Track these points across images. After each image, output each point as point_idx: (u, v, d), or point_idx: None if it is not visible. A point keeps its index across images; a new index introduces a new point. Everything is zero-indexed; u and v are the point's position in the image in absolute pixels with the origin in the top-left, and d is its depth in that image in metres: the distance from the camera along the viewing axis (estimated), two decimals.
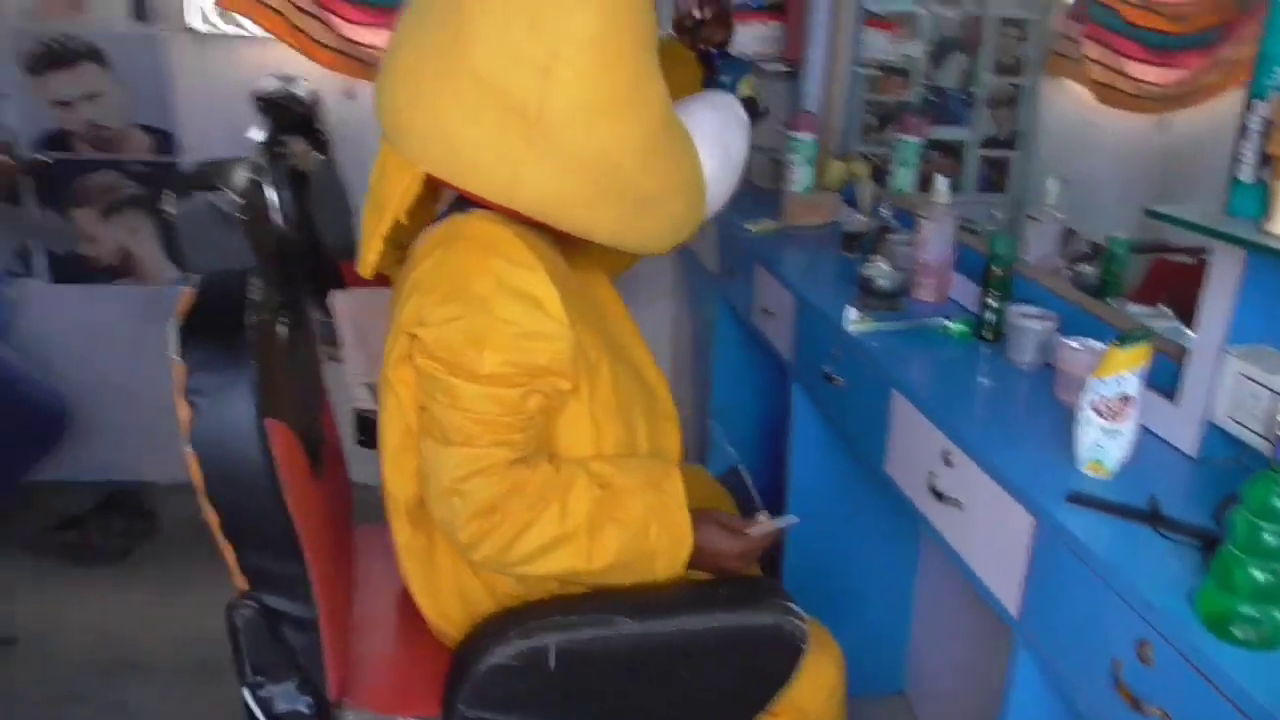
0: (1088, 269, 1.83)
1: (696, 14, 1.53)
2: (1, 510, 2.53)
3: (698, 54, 1.57)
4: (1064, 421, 1.34)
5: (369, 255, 1.26)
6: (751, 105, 1.48)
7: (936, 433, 1.48)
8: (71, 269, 2.87)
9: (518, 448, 1.19)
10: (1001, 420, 1.49)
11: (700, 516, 1.33)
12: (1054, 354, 1.57)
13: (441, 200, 1.35)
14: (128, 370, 2.93)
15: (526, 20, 1.10)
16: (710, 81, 1.54)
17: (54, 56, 2.68)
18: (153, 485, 2.95)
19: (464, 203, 1.24)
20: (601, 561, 1.23)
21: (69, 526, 2.70)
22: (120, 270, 2.90)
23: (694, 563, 1.32)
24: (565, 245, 1.30)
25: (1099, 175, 2.72)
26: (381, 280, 1.37)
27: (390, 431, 1.29)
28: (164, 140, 2.80)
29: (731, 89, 1.50)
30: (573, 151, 1.15)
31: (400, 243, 1.30)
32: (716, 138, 1.31)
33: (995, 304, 1.73)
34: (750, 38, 2.79)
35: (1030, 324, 1.63)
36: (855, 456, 1.83)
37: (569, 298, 1.20)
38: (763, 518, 1.40)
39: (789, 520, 1.41)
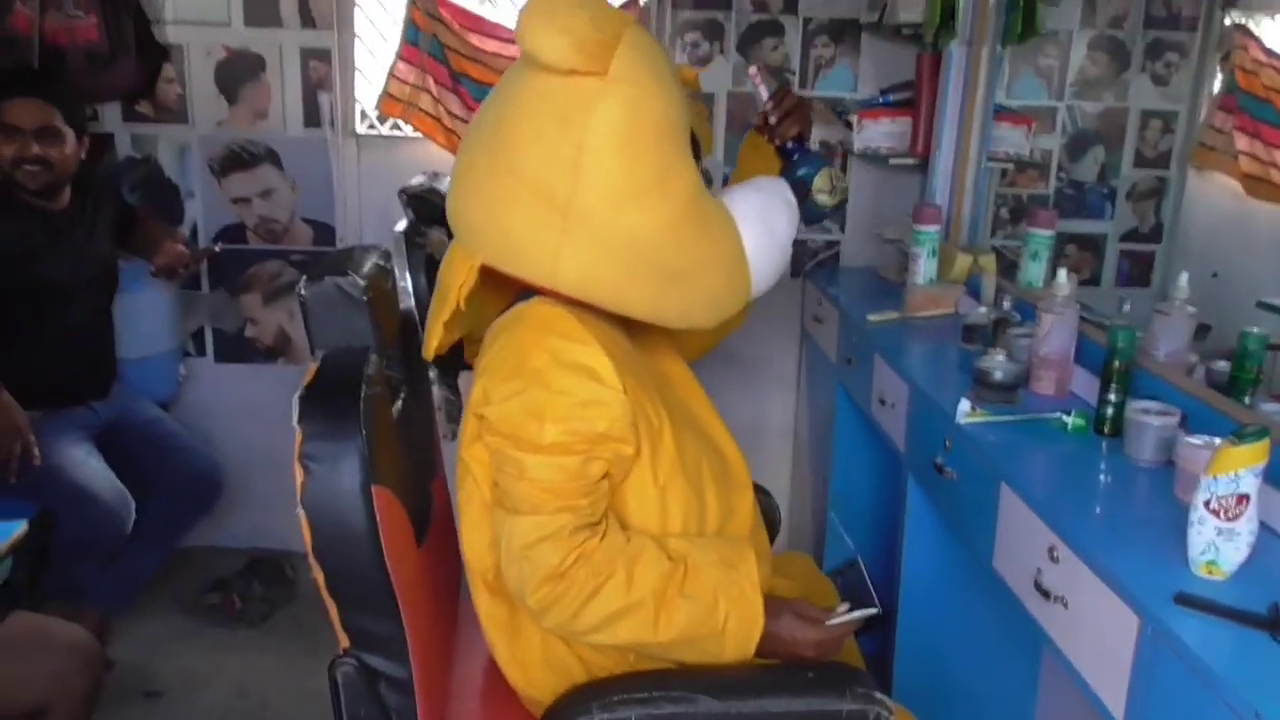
0: (1222, 365, 1.76)
1: (771, 117, 1.60)
2: (160, 570, 2.72)
3: (776, 148, 1.63)
4: (1181, 521, 1.29)
5: (431, 340, 1.34)
6: (801, 186, 1.53)
7: (1044, 528, 1.44)
8: (235, 349, 3.12)
9: (582, 513, 1.22)
10: (1113, 517, 1.44)
11: (777, 603, 1.33)
12: (1175, 450, 1.51)
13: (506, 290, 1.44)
14: (276, 444, 3.08)
15: (557, 118, 1.19)
16: (788, 173, 1.59)
17: (237, 160, 2.97)
18: (294, 553, 3.12)
19: (528, 293, 1.31)
20: (667, 634, 1.24)
21: (215, 589, 2.87)
22: (277, 351, 3.13)
23: (767, 649, 1.31)
24: (631, 327, 1.35)
25: (1249, 270, 2.61)
26: None
27: (467, 507, 1.35)
28: (325, 232, 3.04)
29: (809, 181, 1.54)
30: (603, 236, 1.22)
31: (461, 328, 1.38)
32: (759, 216, 1.35)
33: (1114, 398, 1.68)
34: (879, 133, 2.83)
35: (1149, 419, 1.58)
36: (967, 551, 1.78)
37: (628, 368, 1.26)
38: (842, 609, 1.38)
39: (868, 612, 1.38)
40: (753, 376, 3.13)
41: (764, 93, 1.62)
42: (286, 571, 2.98)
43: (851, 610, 1.38)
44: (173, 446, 2.68)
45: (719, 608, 1.27)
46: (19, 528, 2.26)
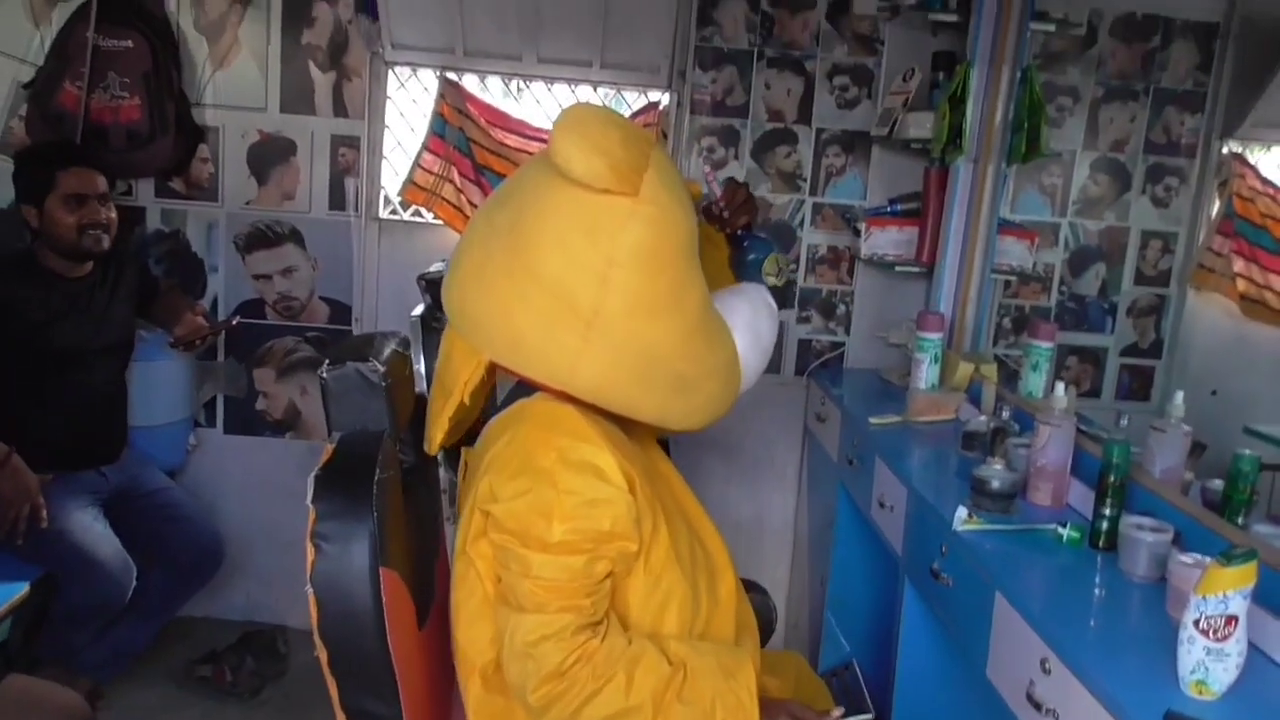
0: (1217, 484, 1.79)
1: (722, 208, 1.72)
2: (157, 639, 2.72)
3: (726, 236, 1.73)
4: (1173, 638, 1.30)
5: (436, 434, 1.38)
6: (778, 291, 1.66)
7: (1037, 640, 1.45)
8: (244, 421, 3.17)
9: (585, 613, 1.25)
10: (1106, 631, 1.46)
11: (774, 707, 1.34)
12: (1168, 567, 1.53)
13: (499, 383, 1.49)
14: (278, 518, 3.15)
15: (583, 230, 1.24)
16: (736, 259, 1.72)
17: (262, 238, 3.07)
18: (288, 629, 3.12)
19: (527, 387, 1.36)
20: None
21: (207, 661, 2.86)
22: (287, 425, 3.18)
23: None
24: (624, 420, 1.39)
25: (1246, 390, 2.66)
26: None
27: (468, 601, 1.36)
28: (342, 311, 3.11)
29: (759, 265, 1.66)
30: (623, 345, 1.27)
31: (461, 421, 1.42)
32: (749, 325, 1.43)
33: (1109, 513, 1.71)
34: (886, 240, 2.90)
35: (1143, 536, 1.60)
36: (962, 658, 1.79)
37: (629, 464, 1.30)
38: (837, 713, 1.40)
39: (863, 718, 1.41)
40: (755, 473, 3.16)
41: (716, 190, 1.77)
42: (279, 647, 2.97)
43: (846, 714, 1.40)
44: (178, 517, 2.70)
45: (715, 717, 1.29)
46: (20, 590, 2.29)
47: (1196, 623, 1.25)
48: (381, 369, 1.34)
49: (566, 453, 1.25)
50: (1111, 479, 1.70)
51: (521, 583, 1.24)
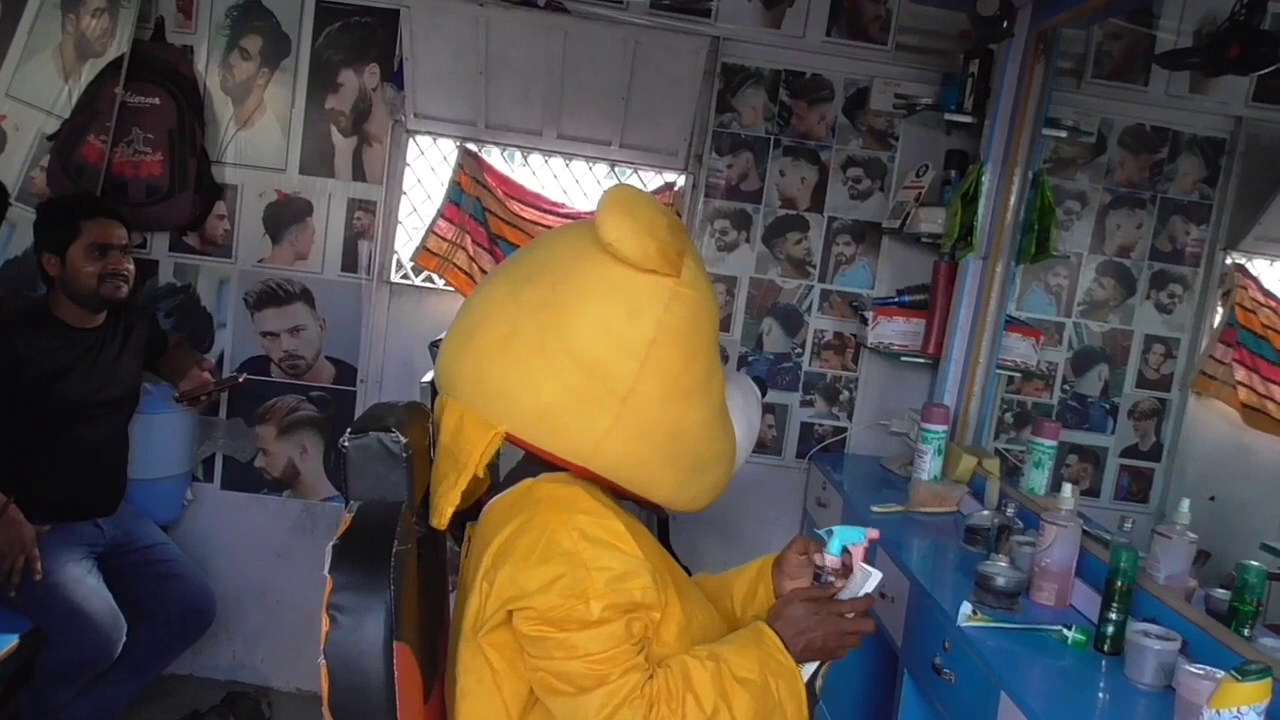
0: (1222, 594, 1.79)
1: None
2: (139, 697, 2.66)
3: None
4: None
5: (446, 508, 1.37)
6: (760, 383, 1.71)
7: None
8: (242, 478, 3.15)
9: (644, 669, 1.25)
10: None
11: (786, 606, 1.40)
12: (1175, 677, 1.53)
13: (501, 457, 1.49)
14: (268, 577, 3.13)
15: (626, 309, 1.28)
16: None
17: (272, 296, 3.09)
18: (271, 690, 3.06)
19: (532, 465, 1.36)
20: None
21: None
22: (284, 483, 3.16)
23: (809, 654, 1.38)
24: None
25: (1245, 498, 2.67)
26: None
27: (473, 687, 1.34)
28: (347, 371, 3.12)
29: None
30: (654, 424, 1.30)
31: (469, 493, 1.42)
32: (742, 411, 1.49)
33: (1116, 617, 1.71)
34: (892, 330, 2.94)
35: (1151, 643, 1.60)
36: None
37: (634, 534, 1.31)
38: (839, 582, 1.44)
39: (874, 578, 1.43)
40: (752, 555, 3.11)
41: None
42: (263, 709, 2.91)
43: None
44: (171, 574, 2.66)
45: (769, 683, 1.31)
46: (9, 643, 2.25)
47: None
48: (403, 440, 1.34)
49: (587, 530, 1.26)
50: (1119, 584, 1.71)
51: (571, 665, 1.23)
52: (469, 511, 1.52)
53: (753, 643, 1.35)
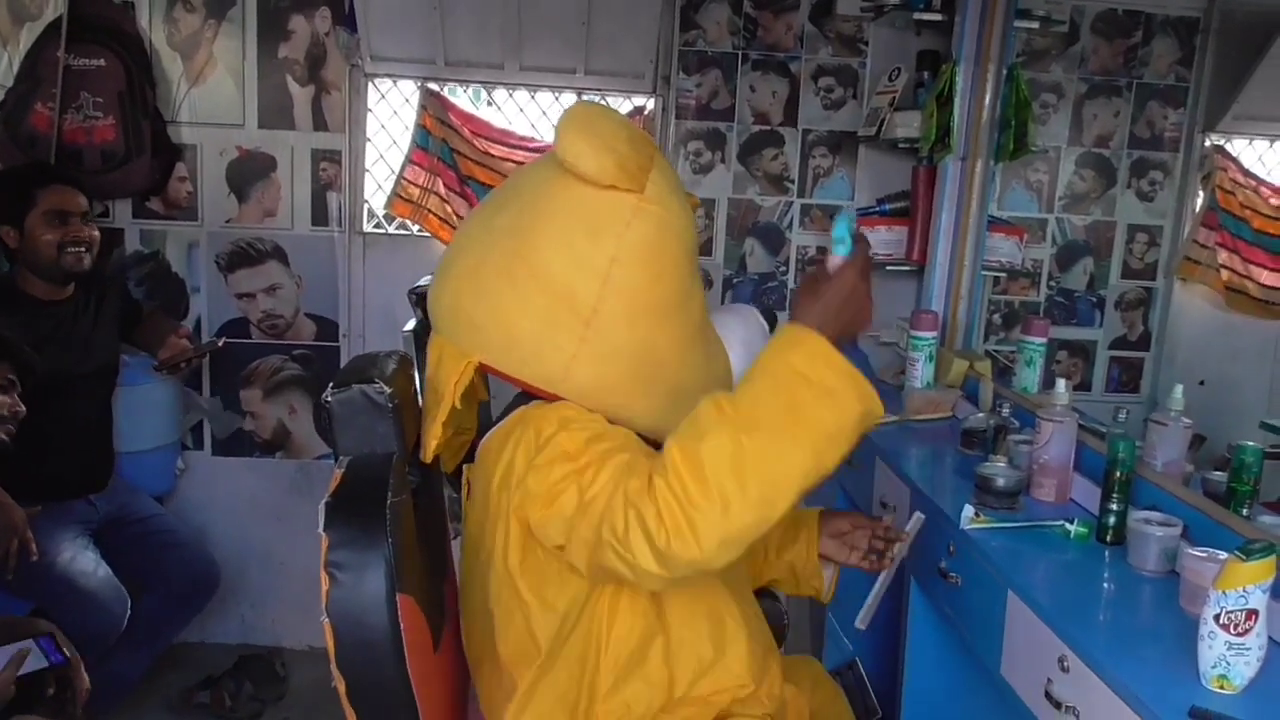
0: (1218, 476, 1.79)
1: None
2: (152, 667, 2.67)
3: None
4: (1189, 632, 1.30)
5: (430, 441, 1.36)
6: (769, 314, 1.65)
7: (1053, 637, 1.45)
8: (233, 443, 3.12)
9: (644, 471, 1.15)
10: (1122, 628, 1.45)
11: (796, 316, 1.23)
12: (1179, 562, 1.53)
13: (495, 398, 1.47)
14: (272, 539, 3.12)
15: (587, 227, 1.24)
16: None
17: (244, 256, 3.03)
18: (286, 650, 3.08)
19: (521, 401, 1.35)
20: (757, 418, 1.12)
21: (204, 687, 2.82)
22: (275, 445, 3.14)
23: (829, 323, 1.20)
24: None
25: (1234, 379, 2.68)
26: None
27: (507, 622, 1.33)
28: (328, 327, 3.07)
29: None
30: (620, 347, 1.27)
31: (458, 432, 1.43)
32: (742, 341, 1.47)
33: (1116, 508, 1.71)
34: (875, 240, 2.90)
35: (1152, 530, 1.61)
36: (972, 657, 1.79)
37: None
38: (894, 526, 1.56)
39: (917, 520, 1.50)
40: None
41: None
42: (277, 669, 2.93)
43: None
44: (171, 543, 2.65)
45: (769, 364, 1.17)
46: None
47: (1217, 618, 1.25)
48: (388, 390, 1.32)
49: (569, 416, 1.25)
50: (1118, 474, 1.70)
51: (582, 515, 1.17)
52: (466, 457, 1.51)
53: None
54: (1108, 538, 1.72)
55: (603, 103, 3.02)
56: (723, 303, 3.03)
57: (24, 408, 2.06)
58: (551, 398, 1.31)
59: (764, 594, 1.77)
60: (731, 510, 1.08)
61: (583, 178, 1.25)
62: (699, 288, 1.37)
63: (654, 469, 1.13)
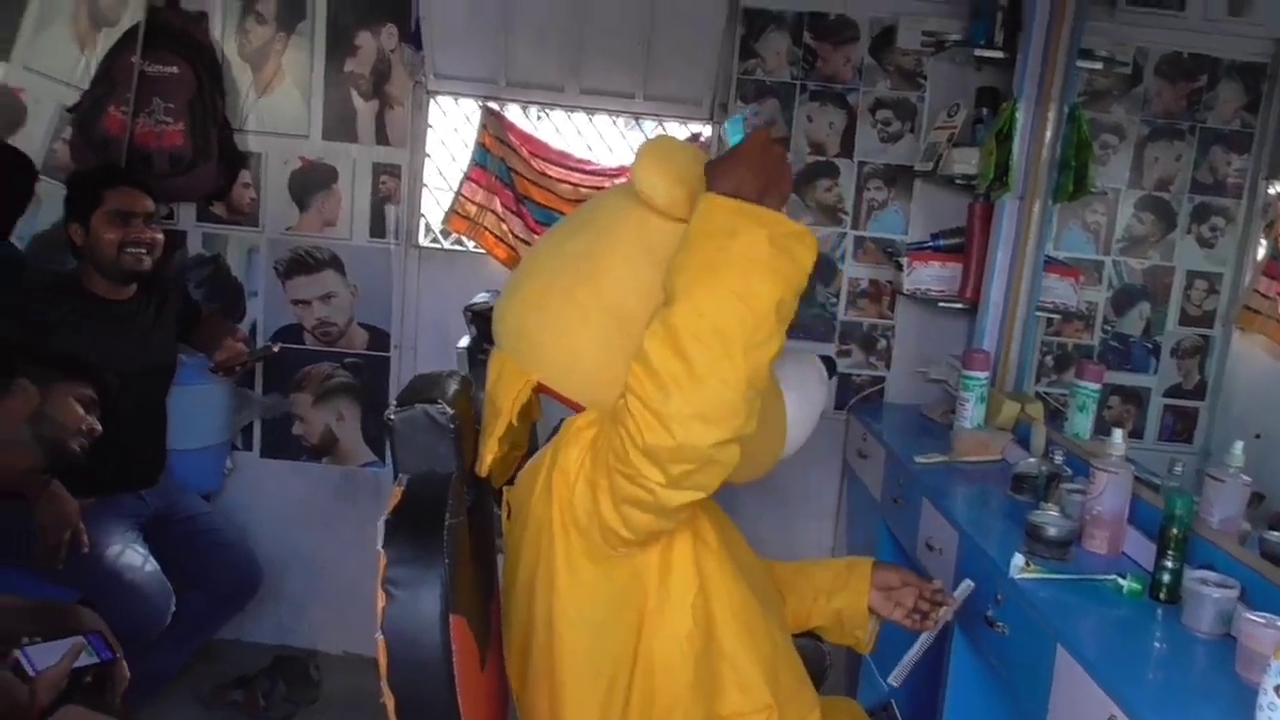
0: (1276, 536, 1.76)
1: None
2: (190, 662, 2.70)
3: None
4: (1245, 699, 1.29)
5: (487, 455, 1.37)
6: (830, 363, 1.62)
7: (1102, 695, 1.43)
8: (281, 445, 3.16)
9: None
10: (1174, 690, 1.43)
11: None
12: (1235, 625, 1.51)
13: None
14: (314, 543, 3.16)
15: (654, 258, 1.23)
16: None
17: (302, 264, 3.08)
18: (320, 654, 3.11)
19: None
20: (675, 286, 1.12)
21: (239, 685, 2.85)
22: (322, 450, 3.17)
23: (743, 188, 1.15)
24: None
25: None
26: None
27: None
28: (380, 337, 3.11)
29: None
30: None
31: (511, 450, 1.42)
32: (798, 386, 1.43)
33: (1171, 565, 1.68)
34: (928, 275, 2.89)
35: (1209, 591, 1.58)
36: (1015, 708, 1.76)
37: None
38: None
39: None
40: (792, 509, 3.14)
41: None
42: (311, 672, 2.96)
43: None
44: (216, 542, 2.69)
45: (692, 238, 1.15)
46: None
47: (1278, 688, 1.23)
48: (450, 411, 1.33)
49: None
50: (1174, 531, 1.68)
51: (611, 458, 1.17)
52: (510, 477, 1.51)
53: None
54: (1162, 595, 1.70)
55: (660, 129, 3.07)
56: None
57: (100, 428, 2.13)
58: None
59: (806, 634, 1.76)
60: (684, 386, 1.09)
61: (655, 208, 1.26)
62: None
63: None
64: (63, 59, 2.79)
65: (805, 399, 1.46)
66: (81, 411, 2.08)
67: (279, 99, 2.99)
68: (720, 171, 1.18)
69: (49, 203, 2.67)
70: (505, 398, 1.34)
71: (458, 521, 1.27)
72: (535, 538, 1.33)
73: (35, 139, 2.75)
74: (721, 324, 1.10)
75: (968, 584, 1.71)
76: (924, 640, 1.66)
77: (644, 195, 1.27)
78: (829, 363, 1.59)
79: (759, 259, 1.11)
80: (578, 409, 1.34)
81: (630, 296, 1.26)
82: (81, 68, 2.84)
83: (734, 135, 1.29)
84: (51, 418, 2.02)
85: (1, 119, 2.67)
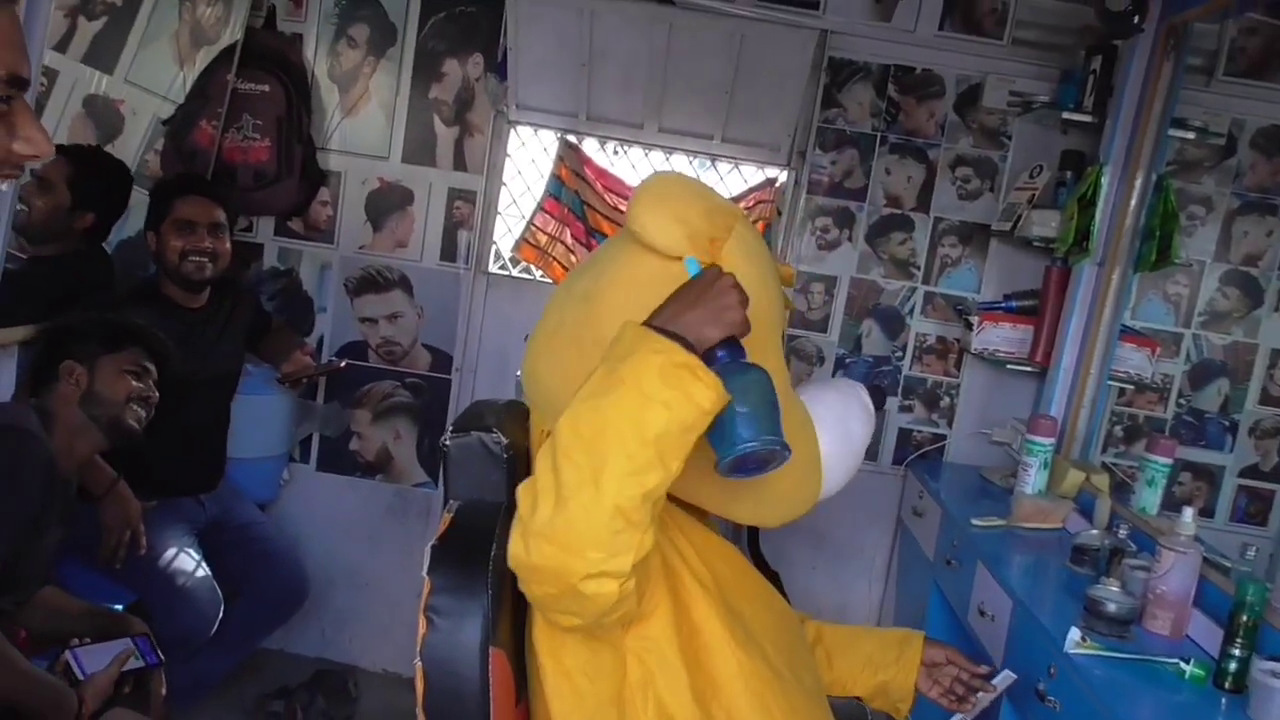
0: None
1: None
2: (234, 672, 2.73)
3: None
4: None
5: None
6: (879, 393, 1.51)
7: None
8: (337, 460, 3.20)
9: None
10: None
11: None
12: None
13: None
14: (361, 559, 3.18)
15: (652, 299, 1.14)
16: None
17: (372, 283, 3.13)
18: (360, 670, 3.12)
19: None
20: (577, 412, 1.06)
21: (279, 696, 2.87)
22: (377, 468, 3.20)
23: (678, 318, 1.11)
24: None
25: None
26: None
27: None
28: (443, 359, 3.14)
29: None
30: None
31: None
32: (837, 420, 1.35)
33: (1239, 654, 1.62)
34: (998, 336, 2.84)
35: (1278, 684, 1.50)
36: None
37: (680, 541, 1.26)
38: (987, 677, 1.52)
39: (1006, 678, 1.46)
40: (842, 562, 3.09)
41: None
42: (350, 688, 2.96)
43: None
44: (268, 552, 2.72)
45: (612, 371, 1.07)
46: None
47: None
48: (504, 440, 1.33)
49: None
50: (1244, 619, 1.61)
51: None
52: None
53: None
54: (1227, 684, 1.63)
55: (737, 172, 3.07)
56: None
57: (158, 394, 2.14)
58: None
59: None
60: (549, 503, 1.03)
61: (651, 248, 1.20)
62: (775, 359, 1.27)
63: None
64: (162, 74, 2.90)
65: (845, 435, 1.37)
66: (132, 382, 2.08)
67: (363, 121, 3.06)
68: (664, 302, 1.13)
69: (137, 210, 2.75)
70: (532, 449, 1.33)
71: (504, 553, 1.26)
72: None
73: (130, 149, 2.85)
74: (596, 446, 1.03)
75: (1009, 675, 1.64)
76: None
77: (637, 235, 1.21)
78: (877, 393, 1.50)
79: (645, 387, 1.04)
80: None
81: None
82: (179, 83, 2.95)
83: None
84: (100, 395, 2.03)
85: (101, 128, 2.77)
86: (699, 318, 1.11)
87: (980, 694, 1.58)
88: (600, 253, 1.34)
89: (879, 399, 1.51)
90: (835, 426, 1.35)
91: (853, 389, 1.43)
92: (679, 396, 1.04)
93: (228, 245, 2.65)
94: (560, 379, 1.25)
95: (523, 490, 1.07)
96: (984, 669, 1.60)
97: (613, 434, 1.03)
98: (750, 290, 1.18)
